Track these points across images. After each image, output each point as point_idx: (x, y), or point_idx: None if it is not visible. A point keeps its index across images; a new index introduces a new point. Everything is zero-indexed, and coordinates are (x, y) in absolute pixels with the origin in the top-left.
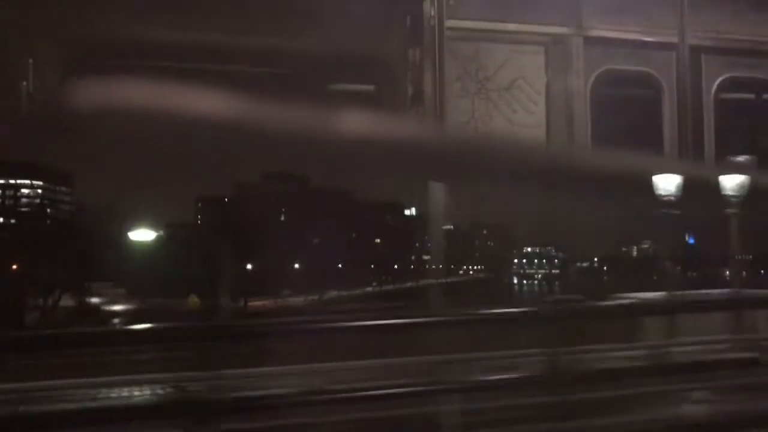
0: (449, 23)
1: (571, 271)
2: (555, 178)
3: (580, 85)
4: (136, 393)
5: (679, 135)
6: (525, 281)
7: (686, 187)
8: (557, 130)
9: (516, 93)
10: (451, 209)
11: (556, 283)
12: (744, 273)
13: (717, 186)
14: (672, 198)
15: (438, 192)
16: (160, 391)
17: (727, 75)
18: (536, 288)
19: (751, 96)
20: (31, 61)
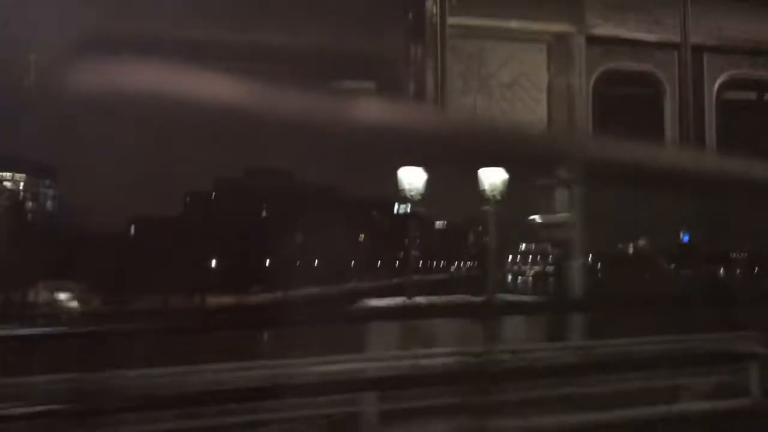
0: (452, 20)
1: None
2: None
3: (582, 83)
4: None
5: (680, 134)
6: None
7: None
8: (559, 128)
9: (518, 90)
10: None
11: None
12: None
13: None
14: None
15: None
16: None
17: (729, 74)
18: None
19: (754, 95)
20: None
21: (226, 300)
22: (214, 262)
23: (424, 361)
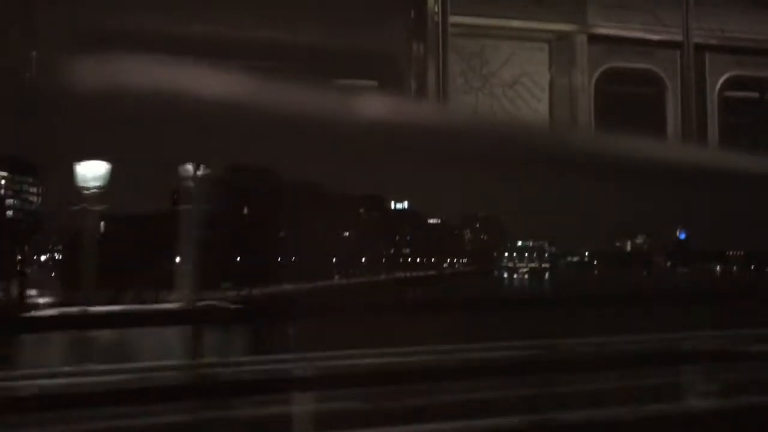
0: (453, 19)
1: None
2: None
3: (584, 82)
4: None
5: (682, 133)
6: None
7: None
8: (560, 126)
9: (519, 89)
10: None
11: None
12: None
13: None
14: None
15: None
16: None
17: (731, 73)
18: None
19: (756, 95)
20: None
21: None
22: None
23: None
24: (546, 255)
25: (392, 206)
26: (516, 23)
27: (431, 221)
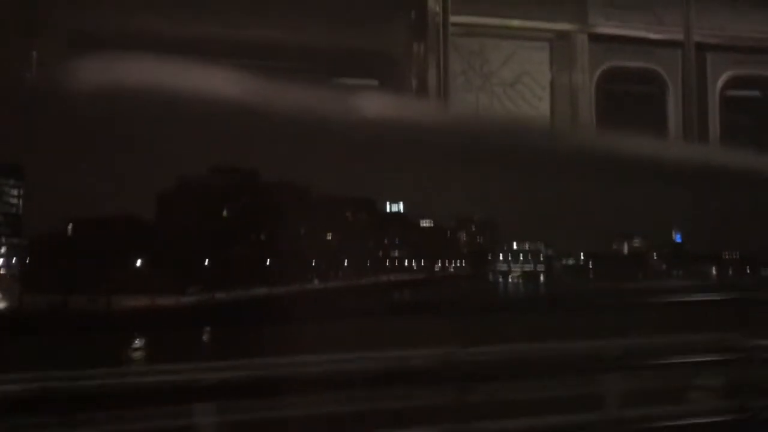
0: (454, 19)
1: None
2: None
3: (585, 81)
4: None
5: (684, 131)
6: None
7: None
8: (562, 124)
9: (520, 88)
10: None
11: None
12: None
13: None
14: None
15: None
16: None
17: (732, 72)
18: None
19: (756, 93)
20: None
21: None
22: None
23: None
24: (541, 257)
25: (385, 208)
26: (516, 22)
27: (424, 224)
